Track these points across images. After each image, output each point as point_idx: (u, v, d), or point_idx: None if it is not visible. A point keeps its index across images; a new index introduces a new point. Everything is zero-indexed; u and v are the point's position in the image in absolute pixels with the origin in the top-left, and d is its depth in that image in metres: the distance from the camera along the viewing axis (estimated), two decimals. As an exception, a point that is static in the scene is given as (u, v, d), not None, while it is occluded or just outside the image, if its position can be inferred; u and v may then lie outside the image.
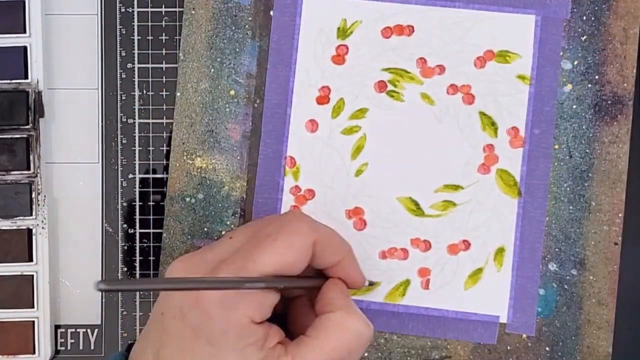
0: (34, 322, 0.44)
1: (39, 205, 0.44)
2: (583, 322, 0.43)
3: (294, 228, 0.36)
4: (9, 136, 0.43)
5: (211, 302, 0.34)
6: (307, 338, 0.36)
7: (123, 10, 0.45)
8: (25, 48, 0.44)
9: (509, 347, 0.43)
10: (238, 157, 0.44)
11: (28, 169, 0.43)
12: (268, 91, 0.44)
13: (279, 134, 0.44)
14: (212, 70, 0.44)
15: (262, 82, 0.44)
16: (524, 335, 0.43)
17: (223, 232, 0.44)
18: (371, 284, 0.43)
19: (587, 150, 0.43)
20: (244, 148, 0.44)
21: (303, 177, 0.44)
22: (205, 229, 0.44)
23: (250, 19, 0.44)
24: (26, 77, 0.44)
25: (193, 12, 0.44)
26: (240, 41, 0.44)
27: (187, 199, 0.44)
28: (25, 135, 0.43)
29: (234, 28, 0.44)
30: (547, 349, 0.43)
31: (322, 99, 0.44)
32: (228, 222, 0.43)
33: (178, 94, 0.44)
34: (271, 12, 0.44)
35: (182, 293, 0.35)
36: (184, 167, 0.44)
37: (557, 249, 0.43)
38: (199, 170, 0.44)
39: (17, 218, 0.44)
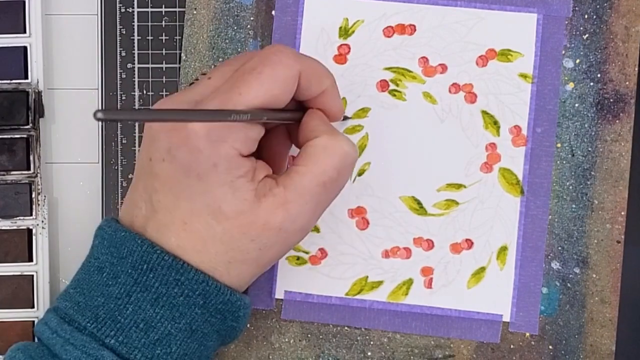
0: (34, 322, 0.43)
1: (39, 205, 0.44)
2: (586, 321, 0.43)
3: (278, 59, 0.35)
4: (9, 136, 0.43)
5: (198, 137, 0.34)
6: (295, 167, 0.36)
7: (123, 10, 0.45)
8: (25, 48, 0.44)
9: (512, 346, 0.43)
10: (240, 157, 0.44)
11: (28, 169, 0.43)
12: (270, 91, 0.44)
13: (281, 133, 0.44)
14: (214, 70, 0.44)
15: (264, 82, 0.44)
16: (527, 334, 0.43)
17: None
18: (345, 118, 0.43)
19: (590, 149, 0.43)
20: (246, 148, 0.44)
21: (305, 176, 0.43)
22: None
23: (252, 18, 0.44)
24: (26, 77, 0.44)
25: (195, 12, 0.44)
26: (242, 41, 0.44)
27: (190, 199, 0.44)
28: (25, 135, 0.43)
29: (235, 28, 0.44)
30: (550, 347, 0.43)
31: (324, 99, 0.43)
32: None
33: (180, 94, 0.44)
34: (273, 12, 0.44)
35: (168, 134, 0.35)
36: (187, 167, 0.44)
37: (559, 248, 0.43)
38: (202, 170, 0.44)
39: (17, 218, 0.44)
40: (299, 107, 0.38)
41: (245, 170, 0.35)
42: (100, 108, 0.30)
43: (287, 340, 0.43)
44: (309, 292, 0.43)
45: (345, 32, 0.43)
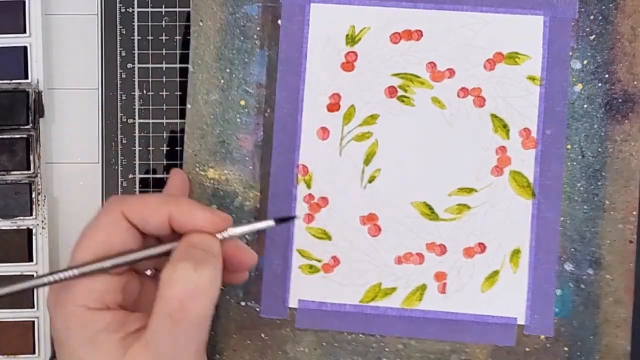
0: (34, 322, 0.44)
1: (39, 205, 0.44)
2: (601, 321, 0.43)
3: (100, 211, 0.36)
4: (9, 136, 0.43)
5: (50, 307, 0.35)
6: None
7: (123, 10, 0.45)
8: (25, 48, 0.44)
9: (527, 349, 0.43)
10: (250, 167, 0.44)
11: (28, 169, 0.43)
12: (278, 100, 0.44)
13: (290, 142, 0.44)
14: (222, 81, 0.44)
15: (272, 92, 0.44)
16: (542, 336, 0.43)
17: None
18: (283, 220, 0.38)
19: (600, 149, 0.43)
20: (256, 158, 0.44)
21: (316, 185, 0.44)
22: (220, 240, 0.44)
23: (258, 29, 0.44)
24: (26, 77, 0.44)
25: (201, 24, 0.44)
26: (249, 51, 0.44)
27: (201, 211, 0.44)
28: (25, 135, 0.43)
29: (242, 38, 0.44)
30: (566, 349, 0.43)
31: (333, 107, 0.44)
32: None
33: (189, 105, 0.44)
34: (279, 22, 0.44)
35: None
36: (197, 178, 0.44)
37: (572, 249, 0.43)
38: (212, 181, 0.44)
39: (17, 218, 0.44)
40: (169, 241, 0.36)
41: (104, 323, 0.34)
42: None
43: (302, 349, 0.43)
44: (323, 300, 0.43)
45: (352, 39, 0.43)
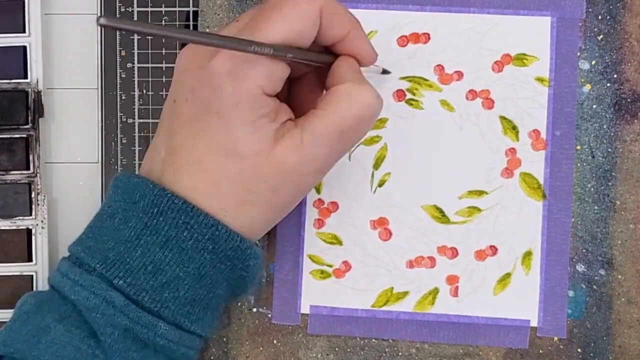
0: None
1: (38, 205, 0.43)
2: (614, 322, 0.43)
3: None
4: (9, 136, 0.43)
5: (221, 73, 0.34)
6: (316, 110, 0.35)
7: (123, 10, 0.45)
8: (25, 48, 0.44)
9: (540, 351, 0.43)
10: (259, 173, 0.44)
11: (28, 169, 0.43)
12: (286, 105, 0.43)
13: (299, 147, 0.43)
14: (230, 87, 0.43)
15: (280, 97, 0.43)
16: (555, 338, 0.43)
17: (249, 249, 0.43)
18: (385, 72, 0.42)
19: (609, 150, 0.43)
20: (265, 163, 0.44)
21: (326, 189, 0.43)
22: (230, 247, 0.43)
23: None
24: (26, 77, 0.44)
25: (207, 30, 0.44)
26: (257, 57, 0.44)
27: (211, 218, 0.43)
28: (25, 135, 0.43)
29: (249, 44, 0.44)
30: (579, 350, 0.43)
31: (341, 111, 0.43)
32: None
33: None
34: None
35: (194, 73, 0.34)
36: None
37: (584, 250, 0.43)
38: (221, 188, 0.44)
39: (17, 218, 0.43)
40: (328, 53, 0.38)
41: (268, 109, 0.34)
42: (102, 14, 0.29)
43: (314, 355, 0.43)
44: (335, 305, 0.43)
45: (359, 43, 0.43)
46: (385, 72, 0.42)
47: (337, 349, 0.43)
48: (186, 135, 0.35)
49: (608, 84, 0.43)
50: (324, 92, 0.37)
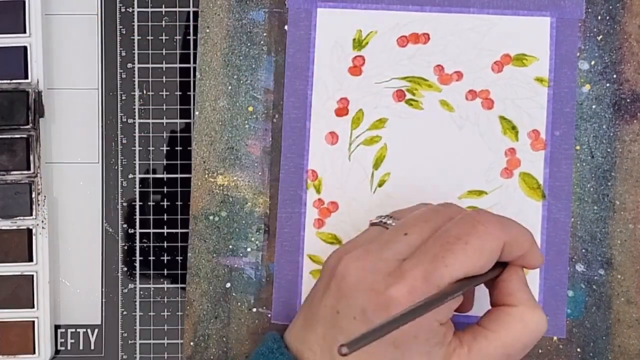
0: (34, 322, 0.43)
1: (39, 205, 0.44)
2: (613, 322, 0.43)
3: (486, 230, 0.35)
4: (9, 136, 0.43)
5: (401, 305, 0.33)
6: (484, 330, 0.35)
7: (123, 10, 0.45)
8: (25, 48, 0.44)
9: (540, 350, 0.43)
10: (259, 173, 0.44)
11: (28, 169, 0.43)
12: (286, 106, 0.44)
13: (299, 147, 0.44)
14: (230, 87, 0.44)
15: (280, 97, 0.44)
16: (555, 338, 0.43)
17: (249, 249, 0.43)
18: None
19: (609, 150, 0.43)
20: (265, 164, 0.44)
21: (325, 189, 0.43)
22: (230, 247, 0.44)
23: (265, 34, 0.44)
24: (26, 77, 0.44)
25: (207, 30, 0.44)
26: (256, 57, 0.44)
27: (211, 217, 0.44)
28: (25, 135, 0.43)
29: (249, 44, 0.44)
30: (579, 350, 0.43)
31: (341, 111, 0.44)
32: (253, 239, 0.43)
33: (197, 112, 0.44)
34: (285, 27, 0.44)
35: (366, 294, 0.34)
36: (206, 185, 0.44)
37: (583, 250, 0.43)
38: (221, 188, 0.44)
39: (17, 218, 0.43)
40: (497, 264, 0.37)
41: (441, 337, 0.35)
42: (343, 343, 0.30)
43: (314, 354, 0.43)
44: (335, 305, 0.43)
45: (359, 43, 0.43)
46: None
47: (337, 349, 0.43)
48: (356, 354, 0.34)
49: (607, 84, 0.43)
50: (489, 300, 0.37)
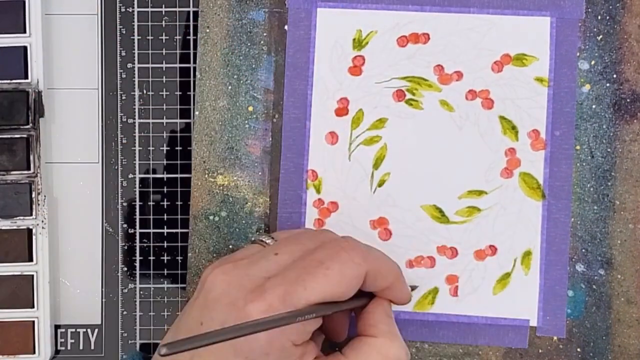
0: (34, 322, 0.43)
1: (39, 205, 0.44)
2: (613, 322, 0.43)
3: (348, 257, 0.35)
4: (9, 136, 0.43)
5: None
6: (343, 358, 0.36)
7: (123, 10, 0.45)
8: (25, 48, 0.44)
9: (540, 351, 0.43)
10: (259, 173, 0.44)
11: (28, 169, 0.43)
12: (286, 105, 0.44)
13: (299, 147, 0.44)
14: (230, 87, 0.44)
15: (280, 97, 0.44)
16: (555, 338, 0.43)
17: (249, 249, 0.43)
18: (412, 288, 0.42)
19: (609, 150, 0.43)
20: (265, 163, 0.44)
21: (325, 189, 0.43)
22: (230, 246, 0.44)
23: (265, 34, 0.44)
24: (26, 77, 0.44)
25: (207, 30, 0.44)
26: (256, 57, 0.44)
27: (211, 217, 0.44)
28: (25, 135, 0.43)
29: (249, 44, 0.44)
30: (579, 350, 0.43)
31: (341, 111, 0.43)
32: (253, 239, 0.43)
33: (197, 112, 0.44)
34: (285, 27, 0.44)
35: (226, 309, 0.34)
36: (206, 185, 0.44)
37: (583, 250, 0.43)
38: (221, 187, 0.44)
39: (17, 218, 0.43)
40: (362, 294, 0.38)
41: (298, 355, 0.35)
42: (164, 343, 0.30)
43: (314, 354, 0.43)
44: (335, 305, 0.43)
45: (359, 43, 0.43)
46: (413, 288, 0.42)
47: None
48: None
49: (607, 84, 0.43)
50: (356, 328, 0.38)
